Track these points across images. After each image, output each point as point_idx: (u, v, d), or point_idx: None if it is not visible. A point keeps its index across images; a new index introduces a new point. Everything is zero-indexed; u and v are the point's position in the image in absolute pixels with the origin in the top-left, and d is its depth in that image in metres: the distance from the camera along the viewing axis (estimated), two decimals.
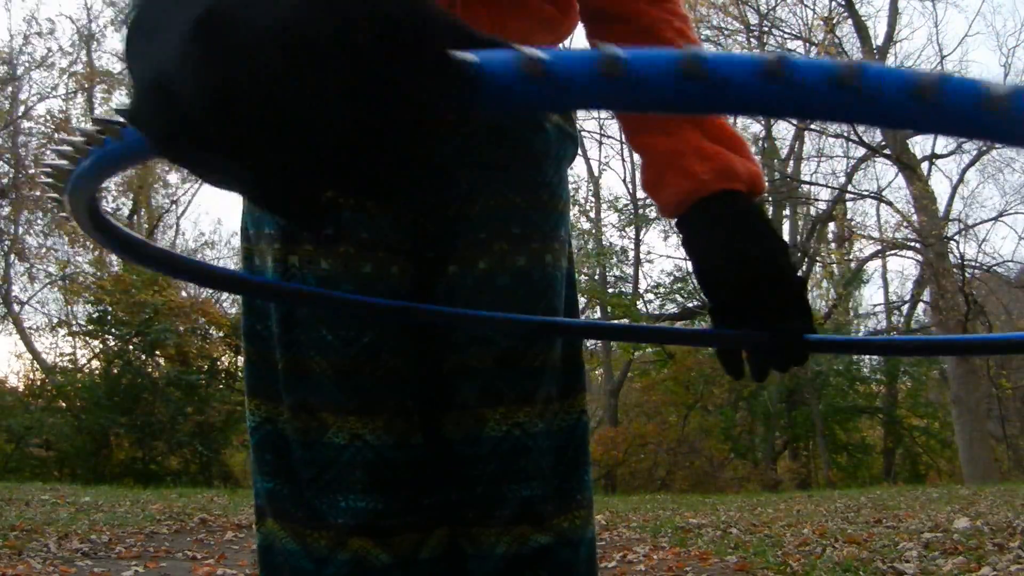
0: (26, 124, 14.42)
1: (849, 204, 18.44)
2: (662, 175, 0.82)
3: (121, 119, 0.37)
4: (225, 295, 18.85)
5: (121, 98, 17.77)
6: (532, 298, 0.88)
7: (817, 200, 18.34)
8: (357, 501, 0.84)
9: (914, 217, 13.64)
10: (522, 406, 0.88)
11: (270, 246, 0.86)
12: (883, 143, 14.81)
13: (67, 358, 14.84)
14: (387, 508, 0.85)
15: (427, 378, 0.88)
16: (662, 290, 18.79)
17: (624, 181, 18.96)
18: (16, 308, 15.94)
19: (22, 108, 14.55)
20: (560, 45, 0.95)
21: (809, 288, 18.60)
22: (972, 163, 16.14)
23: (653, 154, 0.84)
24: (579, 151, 1.02)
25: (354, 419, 0.84)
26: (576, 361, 0.96)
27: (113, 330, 14.03)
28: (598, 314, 17.72)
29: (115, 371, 13.70)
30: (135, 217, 18.25)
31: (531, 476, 0.88)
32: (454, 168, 0.87)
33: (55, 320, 15.89)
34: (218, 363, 14.91)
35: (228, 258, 20.81)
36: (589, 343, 18.40)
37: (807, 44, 15.80)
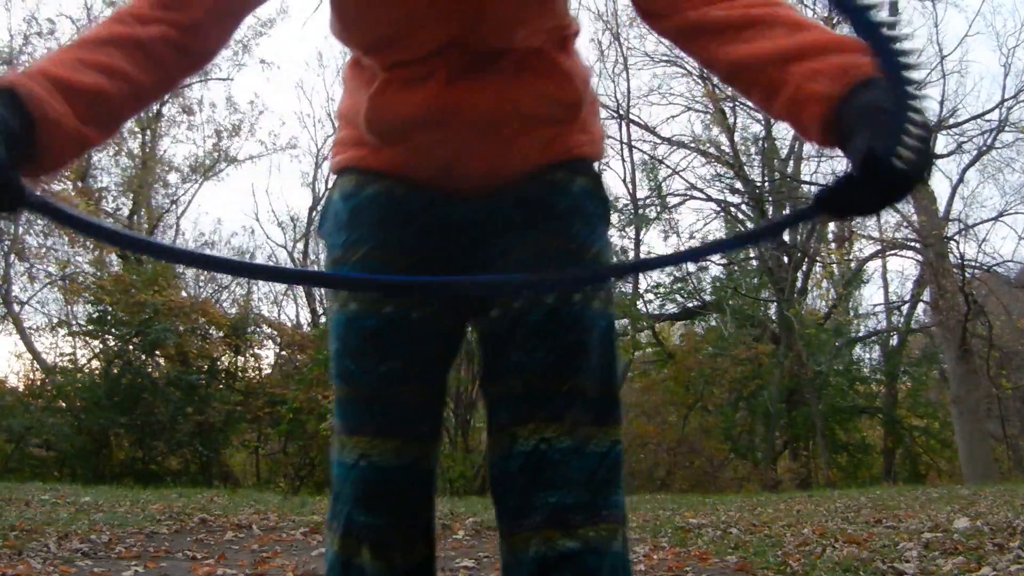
0: None
1: None
2: (810, 74, 0.84)
3: None
4: (225, 295, 18.85)
5: None
6: (561, 331, 0.98)
7: None
8: (360, 515, 0.99)
9: (914, 217, 13.64)
10: (550, 423, 0.97)
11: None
12: None
13: (67, 358, 14.84)
14: (386, 523, 1.00)
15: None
16: (662, 290, 18.80)
17: (624, 181, 18.94)
18: (16, 308, 15.93)
19: None
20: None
21: (809, 288, 18.65)
22: (972, 163, 16.14)
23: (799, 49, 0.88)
24: (611, 212, 1.14)
25: (365, 441, 0.99)
26: (612, 395, 1.03)
27: (113, 330, 14.03)
28: None
29: (115, 371, 13.69)
30: (135, 217, 18.24)
31: (558, 485, 0.95)
32: (488, 229, 1.03)
33: (55, 320, 15.89)
34: (218, 363, 14.91)
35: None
36: None
37: None
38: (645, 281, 18.90)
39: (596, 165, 1.14)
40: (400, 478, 0.99)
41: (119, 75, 0.86)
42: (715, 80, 17.53)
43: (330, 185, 1.16)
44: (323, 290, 16.96)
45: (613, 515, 0.97)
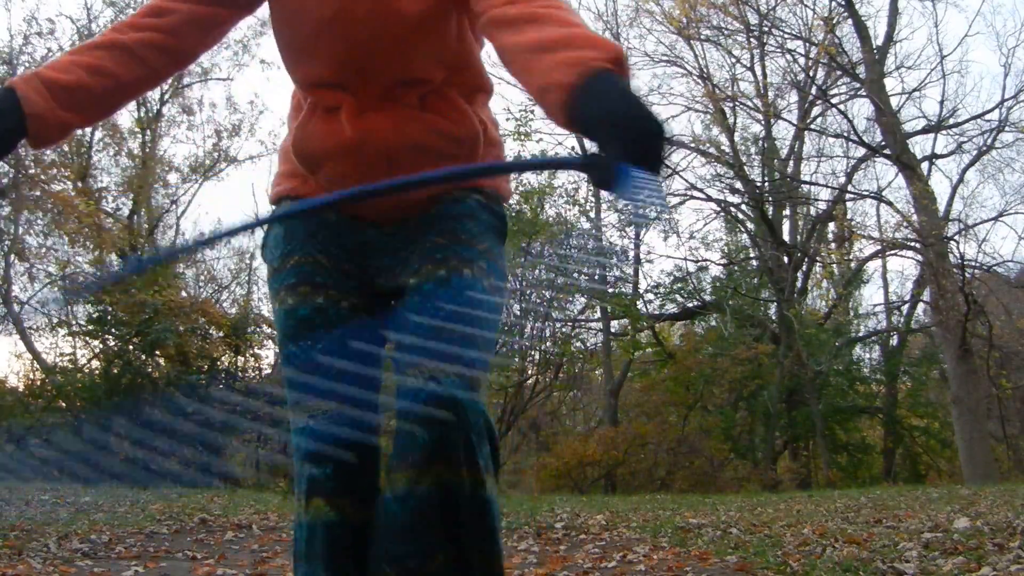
0: None
1: (849, 204, 18.45)
2: (555, 64, 0.98)
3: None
4: (225, 295, 18.84)
5: None
6: (449, 297, 1.15)
7: (817, 200, 18.35)
8: (312, 469, 1.19)
9: (914, 217, 13.63)
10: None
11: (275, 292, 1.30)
12: (883, 143, 14.81)
13: (67, 358, 14.83)
14: (334, 473, 1.18)
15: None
16: (662, 290, 18.79)
17: None
18: (16, 308, 15.92)
19: None
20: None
21: (809, 288, 18.64)
22: (972, 163, 16.14)
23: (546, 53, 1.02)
24: (505, 227, 1.33)
25: (310, 406, 1.20)
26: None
27: (113, 330, 14.02)
28: (598, 314, 17.71)
29: (115, 371, 13.69)
30: (135, 217, 18.23)
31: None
32: (398, 247, 1.24)
33: (55, 320, 15.88)
34: (218, 363, 14.90)
35: (228, 257, 20.80)
36: (590, 343, 18.39)
37: (807, 44, 15.79)
38: (645, 281, 18.92)
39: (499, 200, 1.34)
40: (341, 432, 1.14)
41: (102, 72, 1.12)
42: (715, 80, 17.58)
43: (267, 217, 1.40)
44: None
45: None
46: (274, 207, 1.34)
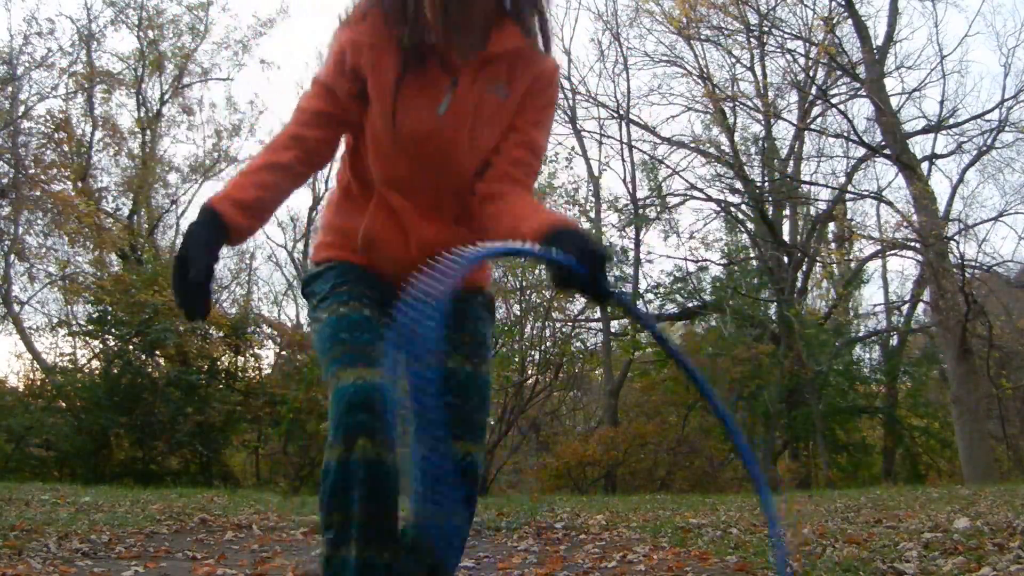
0: (26, 124, 14.38)
1: (849, 204, 18.45)
2: (533, 223, 1.46)
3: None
4: (224, 295, 18.84)
5: (120, 98, 17.74)
6: (476, 388, 1.64)
7: (817, 200, 18.35)
8: (358, 415, 1.43)
9: (914, 217, 13.63)
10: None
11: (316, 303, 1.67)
12: (883, 143, 14.81)
13: (67, 358, 14.83)
14: (375, 420, 1.43)
15: None
16: (662, 290, 18.79)
17: (624, 181, 18.93)
18: (16, 308, 15.92)
19: (22, 108, 14.52)
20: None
21: (809, 288, 18.63)
22: (972, 163, 16.14)
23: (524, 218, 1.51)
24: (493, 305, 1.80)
25: (358, 370, 1.46)
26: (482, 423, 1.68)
27: (113, 330, 14.02)
28: (598, 314, 17.70)
29: (115, 371, 13.68)
30: (135, 217, 18.24)
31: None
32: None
33: (55, 320, 15.88)
34: (218, 363, 14.91)
35: (227, 257, 20.80)
36: (591, 343, 18.40)
37: (807, 44, 15.79)
38: (645, 281, 18.93)
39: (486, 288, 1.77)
40: (380, 392, 1.44)
41: (270, 187, 1.55)
42: (715, 80, 17.58)
43: (312, 271, 1.74)
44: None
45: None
46: (318, 265, 1.71)
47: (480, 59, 1.58)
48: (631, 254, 18.32)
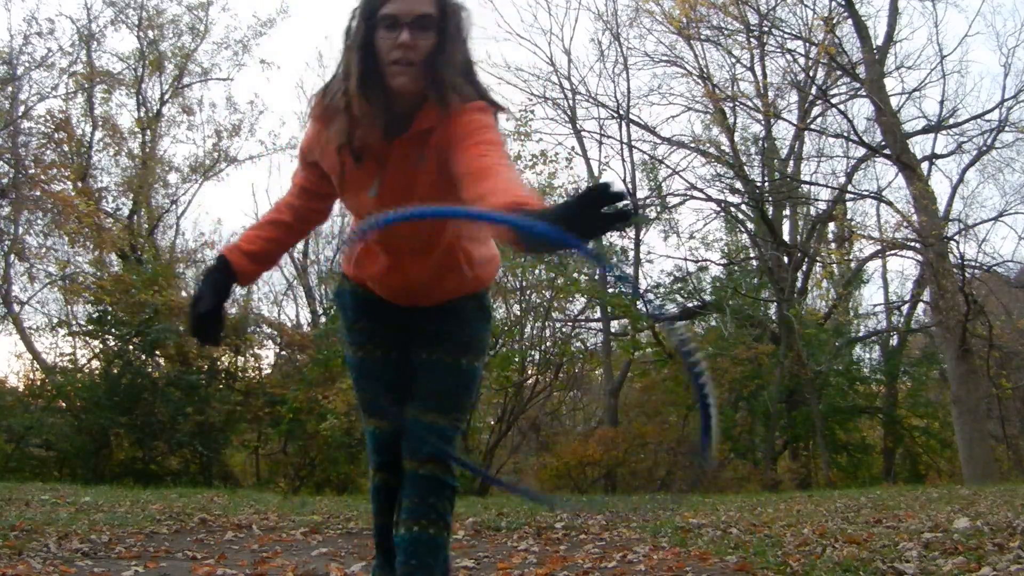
0: (26, 124, 14.38)
1: (849, 204, 18.44)
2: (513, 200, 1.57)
3: None
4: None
5: (120, 98, 17.75)
6: (464, 383, 2.00)
7: (817, 200, 18.34)
8: (376, 456, 2.08)
9: (914, 217, 13.62)
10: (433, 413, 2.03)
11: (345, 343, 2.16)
12: (883, 143, 14.80)
13: (67, 358, 14.82)
14: (387, 459, 2.05)
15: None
16: (662, 290, 18.78)
17: (624, 181, 18.91)
18: (16, 308, 15.91)
19: (22, 108, 14.51)
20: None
21: (809, 288, 18.63)
22: (972, 163, 16.13)
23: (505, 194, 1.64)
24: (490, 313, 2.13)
25: (375, 421, 2.07)
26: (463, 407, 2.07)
27: (113, 330, 14.01)
28: (598, 314, 17.71)
29: (115, 371, 13.68)
30: (135, 217, 18.22)
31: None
32: (422, 321, 2.02)
33: (55, 320, 15.87)
34: (218, 363, 14.90)
35: None
36: (591, 343, 18.40)
37: (807, 44, 15.78)
38: (645, 281, 18.91)
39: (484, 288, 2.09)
40: (389, 437, 2.01)
41: (274, 241, 2.00)
42: (715, 80, 17.57)
43: (338, 287, 2.15)
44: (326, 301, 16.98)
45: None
46: (344, 279, 2.11)
47: (405, 141, 1.83)
48: (631, 254, 18.33)
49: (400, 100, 1.81)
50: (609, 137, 19.68)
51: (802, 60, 16.22)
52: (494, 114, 1.83)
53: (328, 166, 1.92)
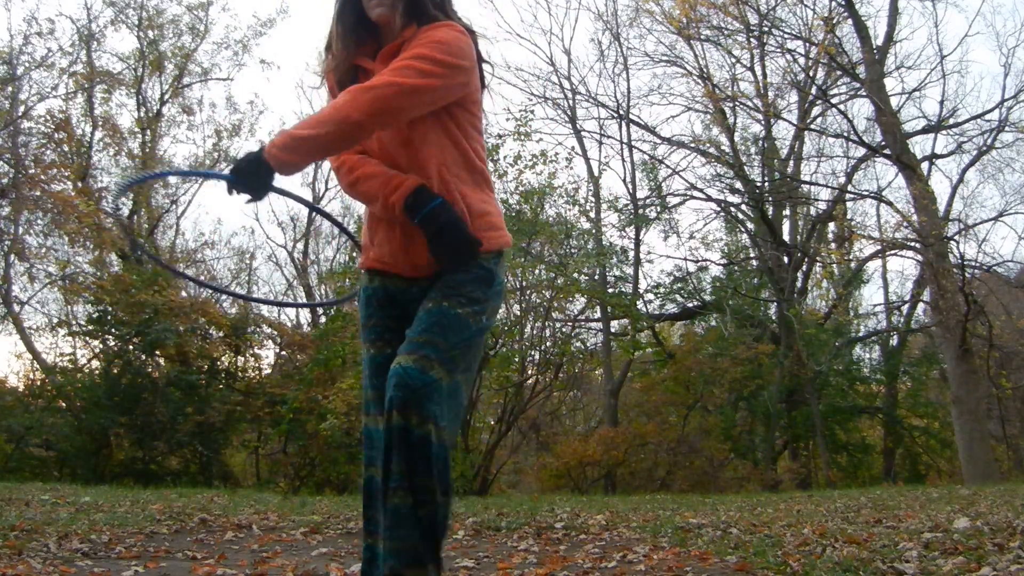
0: (26, 124, 14.38)
1: (849, 204, 18.45)
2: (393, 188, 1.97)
3: None
4: (224, 295, 18.82)
5: (120, 98, 17.76)
6: (441, 322, 1.90)
7: (817, 200, 18.35)
8: (367, 451, 2.06)
9: (914, 217, 13.63)
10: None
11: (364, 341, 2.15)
12: (883, 143, 14.81)
13: (67, 358, 14.83)
14: (375, 454, 2.01)
15: None
16: (662, 290, 18.78)
17: (624, 181, 18.93)
18: (16, 308, 15.92)
19: (22, 108, 14.52)
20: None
21: (809, 288, 18.63)
22: (972, 163, 16.14)
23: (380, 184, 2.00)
24: (498, 291, 2.06)
25: (372, 417, 2.05)
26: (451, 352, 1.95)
27: (113, 330, 14.02)
28: (598, 314, 17.70)
29: (115, 371, 13.69)
30: (135, 217, 18.23)
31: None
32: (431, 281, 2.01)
33: (55, 320, 15.88)
34: (218, 363, 14.91)
35: (227, 258, 20.79)
36: (591, 343, 18.38)
37: (807, 44, 15.79)
38: (645, 281, 18.92)
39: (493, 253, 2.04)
40: (377, 434, 1.99)
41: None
42: (715, 80, 17.57)
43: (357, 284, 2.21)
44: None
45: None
46: (360, 272, 2.18)
47: (382, 57, 2.00)
48: (631, 254, 18.33)
49: (388, 33, 2.01)
50: (609, 137, 19.71)
51: (802, 60, 16.24)
52: (463, 34, 1.96)
53: (335, 86, 2.11)
